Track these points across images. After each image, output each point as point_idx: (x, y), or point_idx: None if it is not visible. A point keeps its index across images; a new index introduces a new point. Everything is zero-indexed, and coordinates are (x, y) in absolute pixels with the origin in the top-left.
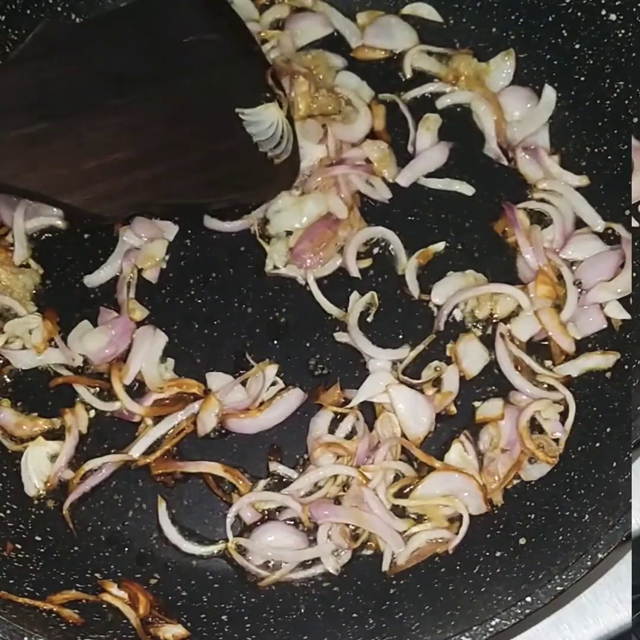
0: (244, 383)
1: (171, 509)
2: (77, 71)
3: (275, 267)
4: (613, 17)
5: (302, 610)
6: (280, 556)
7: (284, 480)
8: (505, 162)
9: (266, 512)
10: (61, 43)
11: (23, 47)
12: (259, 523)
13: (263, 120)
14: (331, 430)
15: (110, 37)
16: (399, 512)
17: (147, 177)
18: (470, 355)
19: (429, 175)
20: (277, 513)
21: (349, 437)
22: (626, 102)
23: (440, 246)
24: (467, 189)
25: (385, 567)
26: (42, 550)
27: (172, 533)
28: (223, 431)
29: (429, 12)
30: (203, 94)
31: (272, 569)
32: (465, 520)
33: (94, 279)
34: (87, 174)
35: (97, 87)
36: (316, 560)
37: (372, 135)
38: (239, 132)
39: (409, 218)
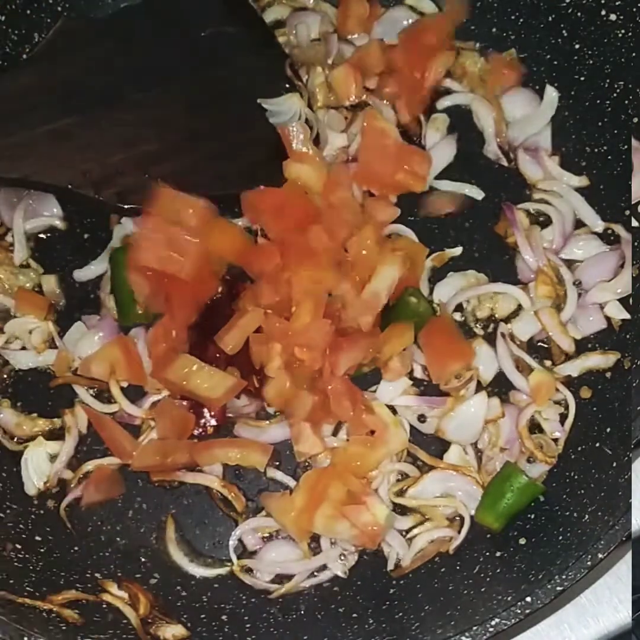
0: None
1: (177, 521)
2: (98, 66)
3: None
4: (613, 17)
5: (302, 610)
6: (288, 569)
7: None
8: (505, 163)
9: (267, 535)
10: (82, 39)
11: (44, 44)
12: (261, 544)
13: (286, 110)
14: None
15: (130, 32)
16: (403, 510)
17: (172, 170)
18: (484, 361)
19: (439, 176)
20: (277, 532)
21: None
22: (626, 102)
23: (457, 251)
24: (477, 193)
25: (390, 566)
26: (42, 550)
27: (179, 557)
28: (225, 434)
29: (428, 7)
30: (224, 85)
31: (281, 582)
32: (467, 521)
33: (84, 273)
34: (113, 168)
35: (119, 81)
36: (324, 567)
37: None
38: (261, 122)
39: (410, 218)
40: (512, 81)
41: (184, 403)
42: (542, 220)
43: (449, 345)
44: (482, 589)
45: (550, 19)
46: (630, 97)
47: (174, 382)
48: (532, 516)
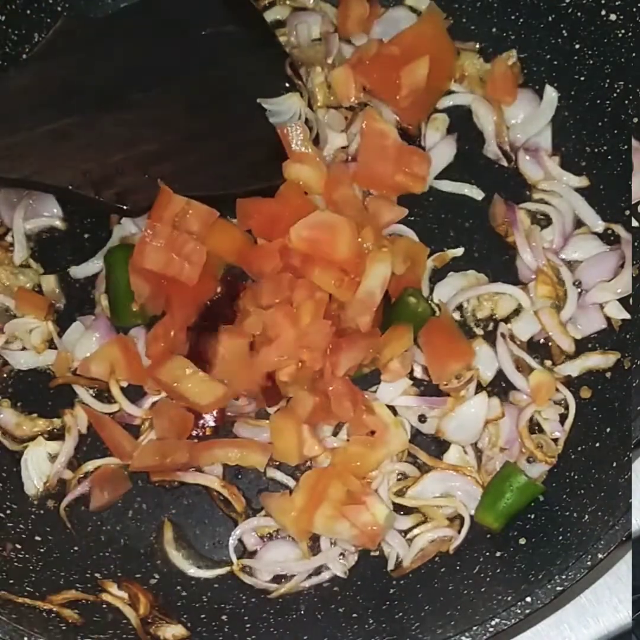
0: None
1: (177, 521)
2: (98, 66)
3: None
4: (613, 17)
5: (302, 610)
6: (288, 568)
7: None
8: (505, 163)
9: (267, 535)
10: (81, 39)
11: (44, 44)
12: (261, 544)
13: (286, 110)
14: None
15: (130, 32)
16: (403, 510)
17: (172, 170)
18: (484, 361)
19: (438, 177)
20: (277, 531)
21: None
22: (626, 102)
23: (459, 251)
24: (477, 193)
25: (390, 566)
26: (42, 550)
27: (178, 558)
28: (224, 433)
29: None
30: (224, 85)
31: (282, 581)
32: (467, 521)
33: (80, 271)
34: (112, 168)
35: (119, 81)
36: (324, 566)
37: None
38: (261, 122)
39: (410, 218)
40: (512, 87)
41: (182, 403)
42: (542, 221)
43: (449, 345)
44: (482, 589)
45: (550, 19)
46: (630, 97)
47: (165, 383)
48: (532, 516)
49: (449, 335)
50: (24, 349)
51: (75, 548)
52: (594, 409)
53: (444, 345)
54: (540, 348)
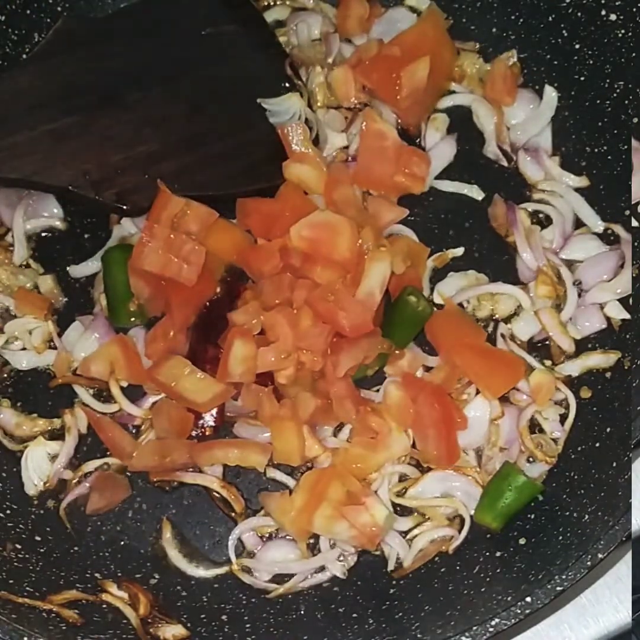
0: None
1: (177, 521)
2: (98, 66)
3: None
4: (613, 17)
5: (302, 610)
6: (287, 568)
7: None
8: (505, 163)
9: (267, 535)
10: (82, 38)
11: (44, 44)
12: (261, 544)
13: (286, 110)
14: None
15: (130, 32)
16: (403, 510)
17: (172, 170)
18: None
19: (438, 177)
20: (276, 531)
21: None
22: (626, 102)
23: (459, 251)
24: (477, 193)
25: (390, 567)
26: (42, 550)
27: (178, 558)
28: (224, 434)
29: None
30: (223, 85)
31: (281, 581)
32: (467, 521)
33: (79, 270)
34: (113, 168)
35: (119, 81)
36: (323, 567)
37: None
38: (261, 122)
39: (410, 218)
40: (512, 87)
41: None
42: (542, 221)
43: (460, 330)
44: (482, 589)
45: (550, 19)
46: (630, 97)
47: (163, 383)
48: (532, 516)
49: (459, 321)
50: (24, 349)
51: (75, 548)
52: (594, 409)
53: (455, 331)
54: (540, 348)
